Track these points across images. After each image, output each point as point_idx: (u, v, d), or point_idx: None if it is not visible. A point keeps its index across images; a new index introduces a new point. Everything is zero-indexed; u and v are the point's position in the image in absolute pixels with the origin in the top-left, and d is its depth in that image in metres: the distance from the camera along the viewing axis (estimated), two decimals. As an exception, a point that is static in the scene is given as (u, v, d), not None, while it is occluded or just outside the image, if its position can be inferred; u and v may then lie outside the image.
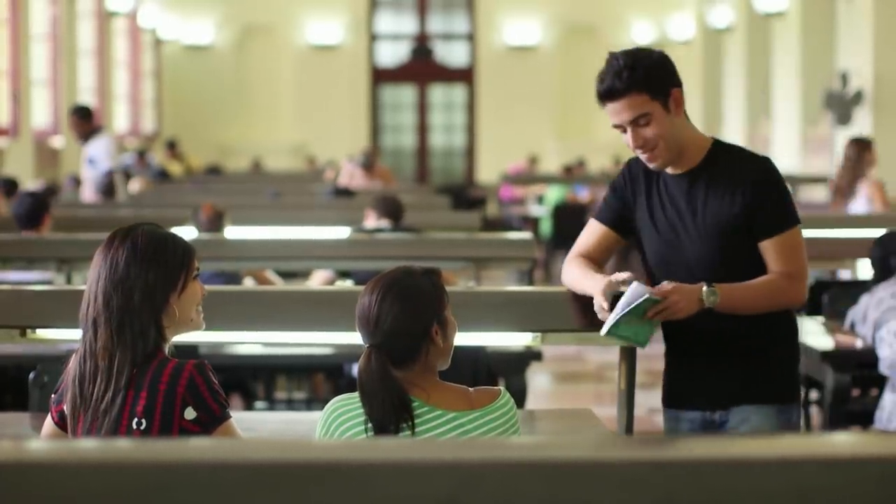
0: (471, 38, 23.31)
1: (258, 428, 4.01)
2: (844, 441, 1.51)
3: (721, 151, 3.63)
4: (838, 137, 14.06)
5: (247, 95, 22.89)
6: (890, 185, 13.07)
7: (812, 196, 14.94)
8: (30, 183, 12.67)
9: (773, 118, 17.35)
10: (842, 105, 13.53)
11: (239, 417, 3.01)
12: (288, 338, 4.26)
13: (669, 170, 3.61)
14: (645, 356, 3.80)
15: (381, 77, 23.27)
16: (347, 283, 6.75)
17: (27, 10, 14.80)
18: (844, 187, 9.42)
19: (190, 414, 2.92)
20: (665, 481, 1.37)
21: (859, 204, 9.24)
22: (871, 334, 5.50)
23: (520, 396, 5.64)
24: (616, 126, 3.55)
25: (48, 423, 3.10)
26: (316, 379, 7.11)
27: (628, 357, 3.68)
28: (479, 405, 3.05)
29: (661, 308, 3.42)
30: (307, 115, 22.51)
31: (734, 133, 19.40)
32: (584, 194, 15.73)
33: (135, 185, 13.16)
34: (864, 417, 5.77)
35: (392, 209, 7.26)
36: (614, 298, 3.46)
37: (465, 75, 23.27)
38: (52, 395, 3.09)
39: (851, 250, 6.51)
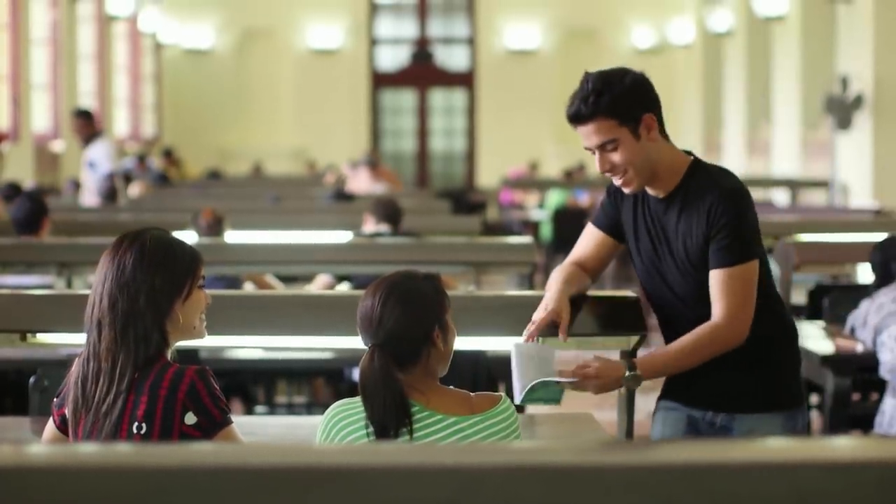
0: (471, 42, 23.33)
1: (258, 432, 4.01)
2: (844, 445, 1.51)
3: (695, 175, 3.52)
4: (838, 141, 14.06)
5: (247, 100, 22.90)
6: (890, 191, 13.09)
7: (812, 200, 14.95)
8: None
9: (774, 122, 17.35)
10: (842, 109, 13.53)
11: (239, 422, 3.01)
12: (288, 342, 4.26)
13: (650, 191, 3.56)
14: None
15: (381, 81, 23.29)
16: (347, 287, 6.75)
17: (27, 15, 14.81)
18: None
19: (190, 419, 2.92)
20: (665, 486, 1.37)
21: None
22: (871, 338, 5.50)
23: (520, 401, 5.63)
24: (586, 148, 3.53)
25: (50, 426, 3.10)
26: (316, 383, 7.11)
27: (629, 362, 3.68)
28: (479, 410, 3.05)
29: (573, 386, 3.40)
30: (307, 119, 22.52)
31: (734, 137, 19.41)
32: (584, 198, 15.73)
33: (135, 190, 13.16)
34: (864, 421, 5.76)
35: (391, 213, 7.25)
36: (523, 356, 3.39)
37: (465, 79, 23.29)
38: (55, 399, 3.09)
39: (851, 254, 6.51)
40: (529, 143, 21.90)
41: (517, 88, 22.62)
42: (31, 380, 4.35)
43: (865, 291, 5.79)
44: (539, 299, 3.58)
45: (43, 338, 3.81)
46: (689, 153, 3.59)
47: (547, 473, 1.37)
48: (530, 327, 3.48)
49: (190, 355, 3.16)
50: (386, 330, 3.02)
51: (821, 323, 6.34)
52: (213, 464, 1.40)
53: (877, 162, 13.35)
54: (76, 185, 13.34)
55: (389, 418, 2.99)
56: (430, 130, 23.41)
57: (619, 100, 3.42)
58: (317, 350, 5.72)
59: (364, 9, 23.05)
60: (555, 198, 14.82)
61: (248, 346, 5.61)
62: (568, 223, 13.98)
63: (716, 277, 3.45)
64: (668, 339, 3.58)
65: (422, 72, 23.19)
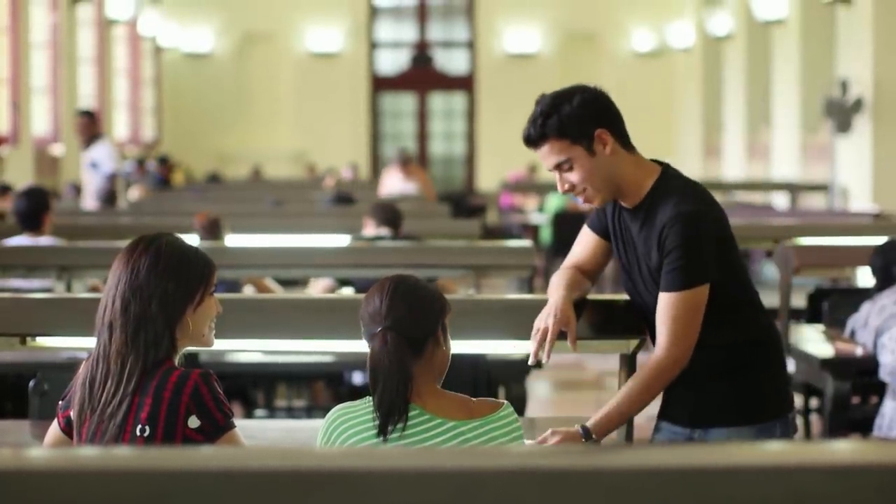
0: (471, 45, 23.34)
1: (258, 436, 4.01)
2: (844, 448, 1.51)
3: (659, 190, 3.48)
4: (838, 145, 14.06)
5: (247, 103, 22.90)
6: (889, 194, 13.09)
7: (812, 203, 14.95)
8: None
9: (773, 126, 17.35)
10: (842, 113, 13.53)
11: (239, 425, 3.01)
12: (288, 346, 4.26)
13: (621, 201, 3.54)
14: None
15: (381, 85, 23.29)
16: (348, 291, 6.75)
17: (27, 18, 14.82)
18: None
19: (194, 423, 2.92)
20: (665, 489, 1.37)
21: None
22: (872, 341, 5.50)
23: (520, 404, 5.64)
24: (549, 170, 3.53)
25: (53, 429, 3.10)
26: (316, 387, 7.11)
27: (628, 365, 3.68)
28: (479, 415, 3.05)
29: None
30: (307, 122, 22.52)
31: (734, 141, 19.41)
32: (583, 202, 15.70)
33: (134, 193, 13.17)
34: (864, 425, 5.76)
35: (390, 217, 7.25)
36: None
37: (465, 83, 23.29)
38: (60, 402, 3.10)
39: (851, 258, 6.51)
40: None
41: (517, 92, 22.60)
42: (31, 383, 4.36)
43: (865, 295, 5.79)
44: (539, 303, 3.57)
45: (43, 341, 3.81)
46: (660, 163, 3.55)
47: (546, 477, 1.37)
48: (537, 337, 3.46)
49: (190, 359, 3.16)
50: (395, 317, 3.02)
51: (820, 326, 6.35)
52: (215, 467, 1.40)
53: (876, 165, 13.35)
54: (76, 189, 13.35)
55: (399, 402, 2.99)
56: (430, 134, 23.42)
57: (566, 119, 3.41)
58: (317, 353, 5.72)
59: (364, 12, 23.06)
60: (554, 201, 14.82)
61: (247, 350, 5.61)
62: (567, 227, 13.96)
63: (661, 301, 3.42)
64: (653, 340, 3.58)
65: (421, 75, 23.19)
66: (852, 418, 5.80)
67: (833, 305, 6.33)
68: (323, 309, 3.86)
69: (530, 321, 3.51)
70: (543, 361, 3.46)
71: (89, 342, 3.11)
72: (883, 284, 5.65)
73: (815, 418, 6.73)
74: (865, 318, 5.61)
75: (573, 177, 3.47)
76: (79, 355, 4.62)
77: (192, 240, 6.65)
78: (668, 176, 3.52)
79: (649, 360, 3.43)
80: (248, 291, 6.76)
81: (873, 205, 12.66)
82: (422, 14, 23.28)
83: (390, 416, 2.99)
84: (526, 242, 7.64)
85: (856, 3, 13.60)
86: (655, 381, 3.42)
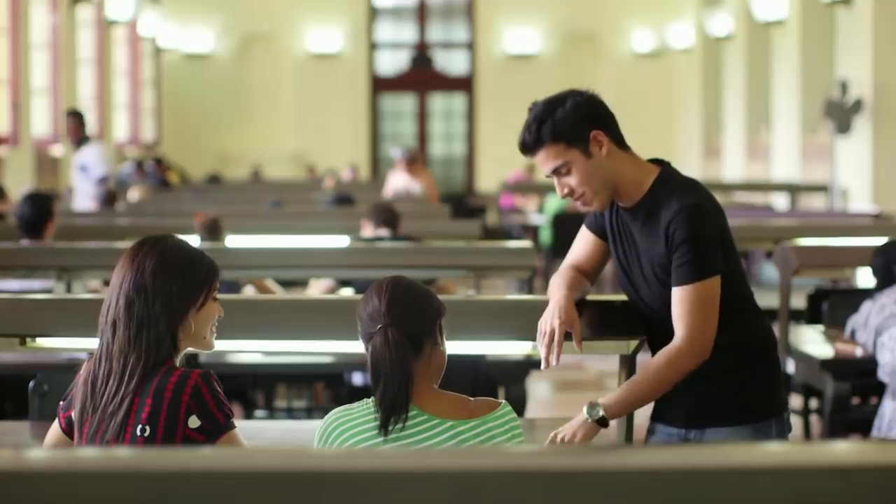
0: (470, 46, 23.34)
1: (258, 437, 4.01)
2: (844, 449, 1.51)
3: (658, 188, 3.49)
4: (838, 146, 14.07)
5: (246, 104, 22.90)
6: (889, 195, 13.10)
7: (811, 204, 14.95)
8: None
9: (773, 126, 17.35)
10: (841, 113, 13.53)
11: (239, 426, 3.01)
12: (288, 346, 4.26)
13: (619, 201, 3.55)
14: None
15: (380, 85, 23.29)
16: (348, 292, 6.75)
17: (27, 19, 14.82)
18: None
19: (194, 423, 2.93)
20: (664, 490, 1.37)
21: None
22: (871, 340, 5.50)
23: (520, 405, 5.64)
24: (546, 176, 3.54)
25: (54, 429, 3.10)
26: (316, 387, 7.11)
27: (628, 366, 3.68)
28: (477, 414, 3.05)
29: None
30: (307, 123, 22.53)
31: (734, 141, 19.41)
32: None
33: (134, 194, 13.16)
34: (863, 425, 5.77)
35: (388, 218, 7.26)
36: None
37: (464, 84, 23.30)
38: (61, 402, 3.10)
39: (851, 258, 6.52)
40: (529, 148, 21.87)
41: (517, 93, 22.58)
42: (31, 384, 4.36)
43: (865, 295, 5.80)
44: (539, 304, 3.57)
45: (42, 342, 3.82)
46: (659, 162, 3.56)
47: (546, 477, 1.37)
48: (545, 340, 3.45)
49: (190, 359, 3.17)
50: (395, 315, 3.02)
51: (820, 327, 6.35)
52: (215, 468, 1.40)
53: (876, 166, 13.35)
54: (72, 192, 13.34)
55: (401, 398, 2.99)
56: (430, 135, 23.42)
57: (560, 123, 3.43)
58: (317, 354, 5.72)
59: (364, 13, 23.06)
60: (554, 202, 14.81)
61: (247, 351, 5.61)
62: (567, 228, 13.96)
63: (676, 296, 3.43)
64: (652, 340, 3.57)
65: (421, 76, 23.20)
66: (852, 419, 5.81)
67: (833, 306, 6.34)
68: (323, 309, 3.86)
69: (530, 322, 3.51)
70: (553, 364, 3.46)
71: (89, 343, 3.12)
72: (883, 284, 5.66)
73: (814, 419, 6.73)
74: (866, 318, 5.61)
75: (571, 180, 3.47)
76: (78, 356, 4.63)
77: (193, 241, 6.67)
78: (669, 173, 3.54)
79: (668, 350, 3.42)
80: (249, 292, 6.76)
81: (873, 205, 12.67)
82: (422, 15, 23.29)
83: (392, 412, 2.99)
84: (526, 243, 7.64)
85: (856, 4, 13.60)
86: (674, 372, 3.41)
